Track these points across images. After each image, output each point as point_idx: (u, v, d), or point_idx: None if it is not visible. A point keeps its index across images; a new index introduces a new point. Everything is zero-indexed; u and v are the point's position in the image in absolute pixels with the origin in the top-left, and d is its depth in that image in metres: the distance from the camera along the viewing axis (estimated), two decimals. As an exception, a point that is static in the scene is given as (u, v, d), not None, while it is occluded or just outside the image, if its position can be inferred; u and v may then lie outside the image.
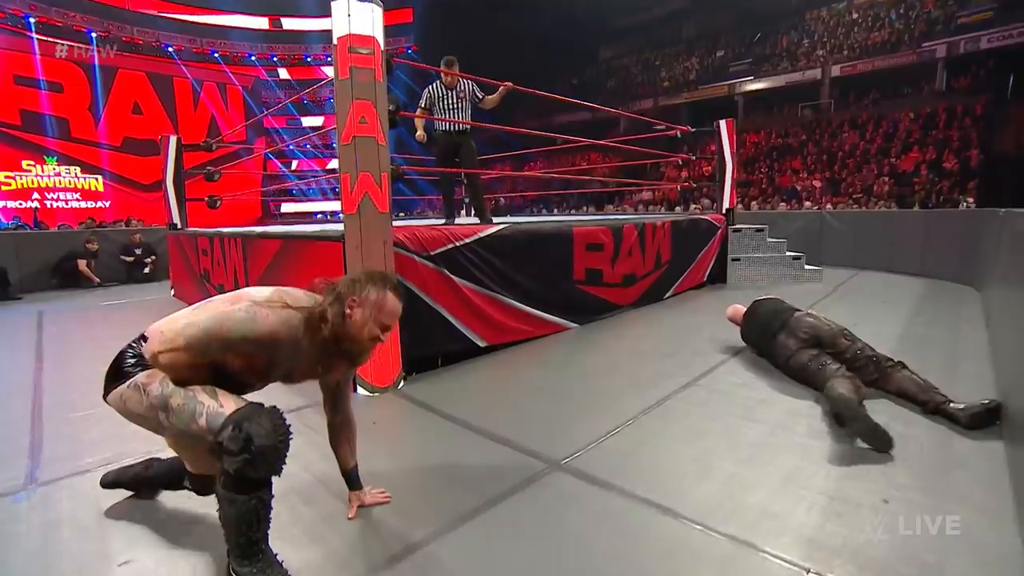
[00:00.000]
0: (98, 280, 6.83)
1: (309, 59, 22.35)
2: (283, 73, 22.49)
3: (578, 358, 3.04)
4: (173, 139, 5.72)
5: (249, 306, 1.18)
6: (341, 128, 2.37)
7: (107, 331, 4.20)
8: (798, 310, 2.58)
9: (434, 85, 3.89)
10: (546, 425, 2.10)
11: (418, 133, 4.21)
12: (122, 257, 7.27)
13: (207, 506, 1.48)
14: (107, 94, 18.23)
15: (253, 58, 21.60)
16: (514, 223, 3.36)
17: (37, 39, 16.64)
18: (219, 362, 1.21)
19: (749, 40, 19.65)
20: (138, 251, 7.37)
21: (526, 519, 1.44)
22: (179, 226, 5.76)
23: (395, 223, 2.75)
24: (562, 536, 1.36)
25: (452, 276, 2.88)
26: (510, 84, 3.93)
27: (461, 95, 3.88)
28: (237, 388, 1.24)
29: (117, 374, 1.21)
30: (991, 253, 4.32)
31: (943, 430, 1.90)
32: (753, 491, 1.54)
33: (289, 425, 1.18)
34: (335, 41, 2.34)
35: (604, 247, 3.93)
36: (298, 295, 1.25)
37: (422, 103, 3.96)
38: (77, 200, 18.01)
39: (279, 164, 22.38)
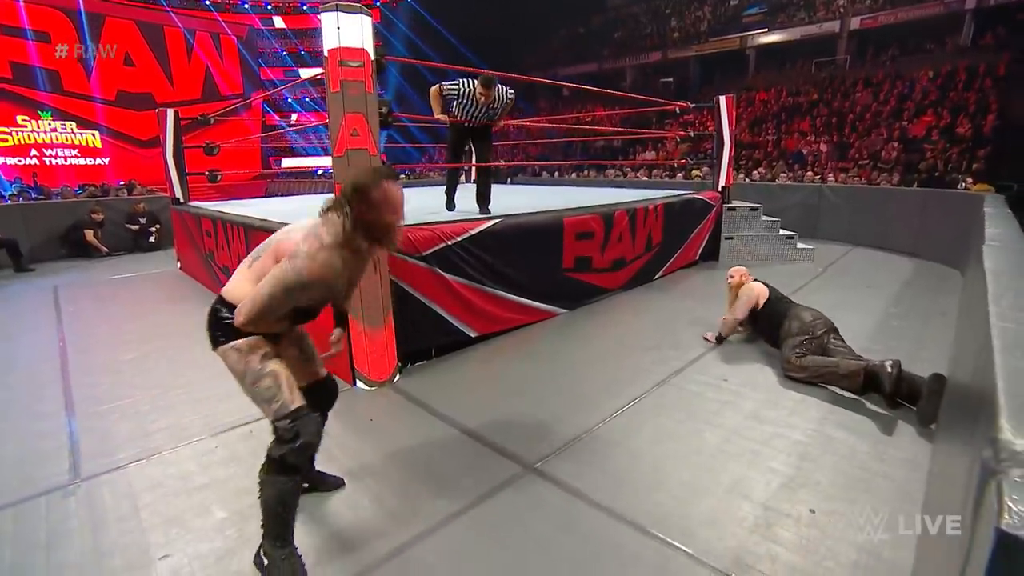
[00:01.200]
0: (105, 250, 7.01)
1: (305, 7, 21.35)
2: (278, 22, 21.59)
3: (562, 350, 3.24)
4: (171, 112, 5.71)
5: (293, 266, 1.36)
6: (334, 141, 2.46)
7: (120, 309, 4.42)
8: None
9: (468, 89, 3.56)
10: (525, 423, 2.33)
11: (437, 115, 3.76)
12: (127, 226, 7.40)
13: (235, 501, 1.72)
14: (96, 44, 17.65)
15: (246, 6, 20.68)
16: (505, 217, 3.46)
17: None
18: (293, 307, 1.46)
19: (766, -14, 18.56)
20: (142, 220, 7.49)
21: (498, 525, 1.68)
22: (182, 201, 5.86)
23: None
24: (527, 544, 1.60)
25: (444, 273, 3.03)
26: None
27: (492, 106, 3.66)
28: (308, 314, 1.56)
29: (223, 334, 1.45)
30: (976, 241, 4.41)
31: (880, 438, 2.11)
32: (700, 499, 1.76)
33: (322, 430, 1.61)
34: (326, 53, 2.38)
35: (594, 235, 4.04)
36: (322, 233, 1.41)
37: (447, 90, 3.61)
38: (76, 157, 17.87)
39: (277, 117, 21.94)
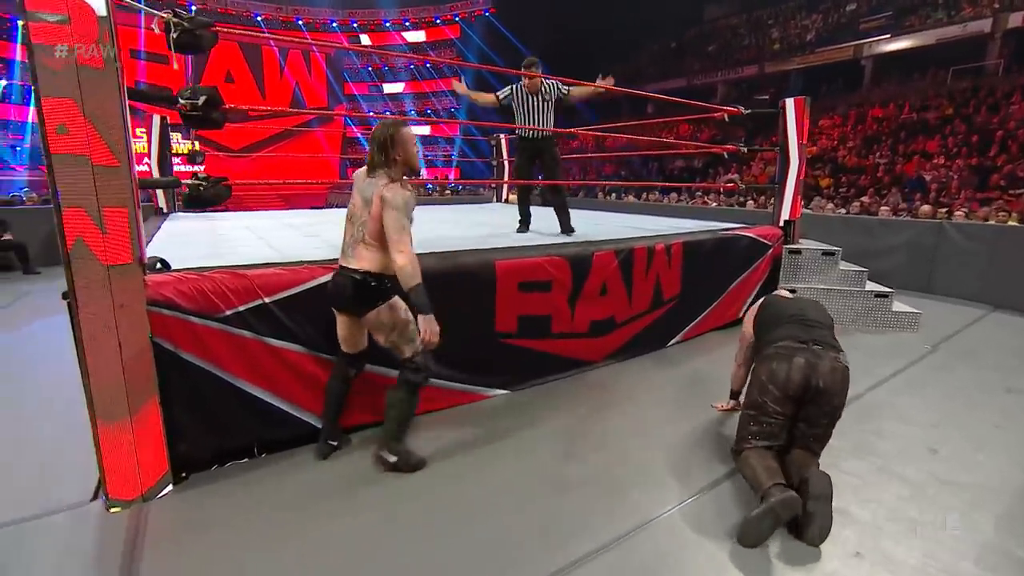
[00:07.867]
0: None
1: (388, 24, 22.13)
2: (364, 39, 22.54)
3: (450, 467, 2.12)
4: (157, 118, 5.46)
5: (400, 199, 1.83)
6: (43, 140, 1.62)
7: (34, 328, 3.99)
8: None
9: (516, 86, 3.67)
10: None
11: (480, 98, 3.79)
12: (147, 232, 7.41)
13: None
14: (203, 64, 19.48)
15: (335, 24, 21.81)
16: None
17: (144, 11, 18.07)
18: None
19: (892, -14, 15.82)
20: (162, 227, 7.47)
21: None
22: (164, 211, 5.56)
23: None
24: None
25: (268, 340, 2.07)
26: (611, 80, 3.59)
27: (545, 98, 3.65)
28: None
29: (380, 297, 1.90)
30: None
31: None
32: None
33: None
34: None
35: (553, 285, 2.86)
36: (387, 183, 1.86)
37: (501, 94, 3.72)
38: (179, 164, 19.75)
39: (357, 131, 22.80)
